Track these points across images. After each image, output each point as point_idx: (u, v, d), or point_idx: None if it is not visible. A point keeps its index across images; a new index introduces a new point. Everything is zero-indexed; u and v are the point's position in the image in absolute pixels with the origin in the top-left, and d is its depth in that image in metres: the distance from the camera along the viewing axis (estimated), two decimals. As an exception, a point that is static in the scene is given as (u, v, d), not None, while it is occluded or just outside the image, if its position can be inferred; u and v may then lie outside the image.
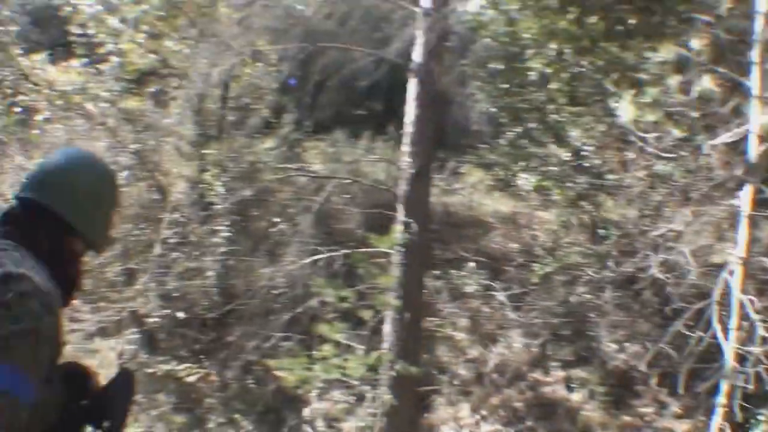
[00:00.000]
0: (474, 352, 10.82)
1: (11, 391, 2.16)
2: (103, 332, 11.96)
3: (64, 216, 2.60)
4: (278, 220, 11.95)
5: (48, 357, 2.32)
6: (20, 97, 13.04)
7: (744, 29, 9.02)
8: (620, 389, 10.77)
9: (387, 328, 8.95)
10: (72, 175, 2.71)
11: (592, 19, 10.34)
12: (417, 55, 9.65)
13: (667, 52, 10.40)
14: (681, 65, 10.48)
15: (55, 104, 13.32)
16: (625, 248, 11.30)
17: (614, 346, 10.90)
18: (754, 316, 8.56)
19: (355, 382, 9.21)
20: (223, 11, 12.59)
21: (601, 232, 11.67)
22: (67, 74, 13.51)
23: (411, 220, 9.16)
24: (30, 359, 2.23)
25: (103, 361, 10.96)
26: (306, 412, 10.68)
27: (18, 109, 12.99)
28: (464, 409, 10.33)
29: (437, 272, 11.23)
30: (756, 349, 8.30)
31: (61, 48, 15.95)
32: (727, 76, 9.31)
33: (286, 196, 12.46)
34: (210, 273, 12.11)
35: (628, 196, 11.37)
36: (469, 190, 13.93)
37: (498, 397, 10.42)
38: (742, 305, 8.51)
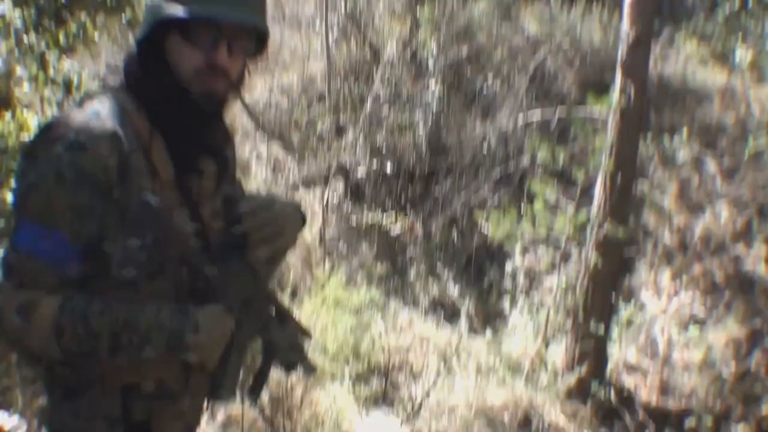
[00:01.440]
0: (680, 221, 10.80)
1: (26, 248, 2.13)
2: (308, 183, 12.42)
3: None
4: (492, 79, 11.99)
5: (89, 204, 2.16)
6: None
7: None
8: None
9: (597, 190, 9.02)
10: None
11: None
12: None
13: None
14: None
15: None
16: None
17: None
18: None
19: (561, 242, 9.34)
20: None
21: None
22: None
23: (626, 85, 9.14)
24: (49, 209, 2.12)
25: (306, 209, 11.42)
26: (508, 267, 10.93)
27: None
28: (665, 274, 10.37)
29: (650, 139, 11.14)
30: None
31: None
32: None
33: (500, 56, 12.46)
34: (420, 129, 12.36)
35: None
36: (684, 60, 13.65)
37: (699, 266, 10.41)
38: None
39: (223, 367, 2.32)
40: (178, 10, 2.24)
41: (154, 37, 2.34)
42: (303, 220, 2.63)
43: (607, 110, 9.07)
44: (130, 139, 2.24)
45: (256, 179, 12.38)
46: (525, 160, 10.71)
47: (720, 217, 10.64)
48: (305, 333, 2.60)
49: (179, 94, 2.33)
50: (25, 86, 8.55)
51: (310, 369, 2.60)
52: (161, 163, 2.33)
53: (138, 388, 2.35)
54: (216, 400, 2.41)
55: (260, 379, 2.58)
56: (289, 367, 2.55)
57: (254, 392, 2.60)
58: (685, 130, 10.89)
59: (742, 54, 11.85)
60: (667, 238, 10.55)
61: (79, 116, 2.21)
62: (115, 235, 2.22)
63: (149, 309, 2.21)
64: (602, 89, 9.60)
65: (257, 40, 2.49)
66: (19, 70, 8.85)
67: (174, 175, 2.36)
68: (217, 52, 2.31)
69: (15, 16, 6.64)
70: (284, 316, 2.56)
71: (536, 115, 10.23)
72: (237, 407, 6.48)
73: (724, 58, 12.86)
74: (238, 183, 2.90)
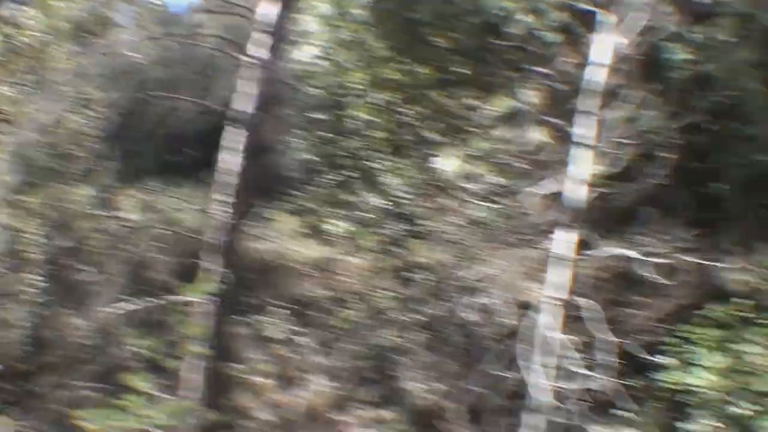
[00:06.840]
0: (278, 397, 10.89)
1: None
2: None
3: None
4: (91, 268, 11.82)
5: None
6: None
7: (576, 79, 9.48)
8: (426, 428, 10.99)
9: (193, 376, 9.00)
10: None
11: (424, 69, 10.56)
12: (241, 104, 9.72)
13: (499, 102, 10.76)
14: (512, 115, 10.86)
15: None
16: (435, 291, 11.55)
17: (421, 386, 11.12)
18: (563, 352, 9.06)
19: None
20: (60, 58, 12.42)
21: (410, 276, 11.88)
22: None
23: (221, 268, 9.25)
24: None
25: None
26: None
27: None
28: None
29: (245, 319, 11.27)
30: (569, 386, 8.84)
31: None
32: (557, 126, 9.73)
33: (100, 244, 12.32)
34: (22, 323, 11.88)
35: (443, 241, 11.61)
36: (280, 236, 13.98)
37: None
38: (549, 342, 9.01)
39: None
40: None
41: None
42: None
43: (201, 295, 9.11)
44: None
45: None
46: (124, 352, 10.51)
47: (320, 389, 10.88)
48: None
49: None
50: None
51: None
52: None
53: None
54: None
55: None
56: None
57: None
58: (279, 307, 11.12)
59: (336, 226, 12.29)
60: (266, 415, 10.62)
61: None
62: None
63: None
64: (196, 275, 9.67)
65: None
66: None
67: None
68: None
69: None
70: None
71: (133, 305, 10.13)
72: None
73: (320, 231, 13.25)
74: None
